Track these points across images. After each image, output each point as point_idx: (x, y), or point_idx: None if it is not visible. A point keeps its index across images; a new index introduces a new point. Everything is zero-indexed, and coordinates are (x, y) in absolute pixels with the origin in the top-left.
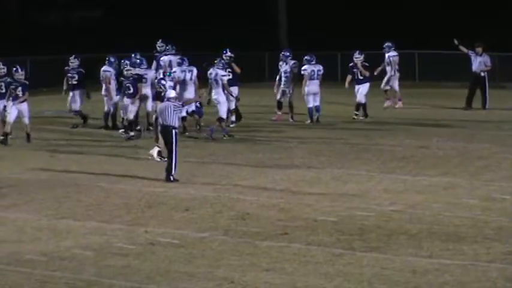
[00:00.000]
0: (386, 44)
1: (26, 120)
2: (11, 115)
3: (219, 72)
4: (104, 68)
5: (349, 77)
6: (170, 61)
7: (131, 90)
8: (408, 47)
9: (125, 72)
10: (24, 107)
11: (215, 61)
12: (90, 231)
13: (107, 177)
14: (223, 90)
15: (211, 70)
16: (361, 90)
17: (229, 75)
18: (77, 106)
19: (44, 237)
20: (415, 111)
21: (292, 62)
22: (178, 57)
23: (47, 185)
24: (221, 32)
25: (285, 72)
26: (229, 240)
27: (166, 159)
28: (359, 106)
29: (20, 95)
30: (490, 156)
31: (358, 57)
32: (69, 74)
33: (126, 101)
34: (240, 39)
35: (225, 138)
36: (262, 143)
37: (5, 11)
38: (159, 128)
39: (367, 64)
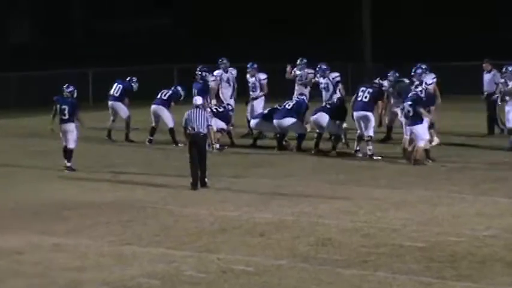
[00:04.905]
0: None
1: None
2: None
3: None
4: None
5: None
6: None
7: (66, 116)
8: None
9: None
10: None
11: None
12: (157, 258)
13: (176, 199)
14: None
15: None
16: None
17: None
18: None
19: (107, 264)
20: None
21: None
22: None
23: (110, 208)
24: (298, 42)
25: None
26: (308, 268)
27: None
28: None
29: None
30: None
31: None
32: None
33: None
34: (319, 49)
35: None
36: (343, 161)
37: (68, 21)
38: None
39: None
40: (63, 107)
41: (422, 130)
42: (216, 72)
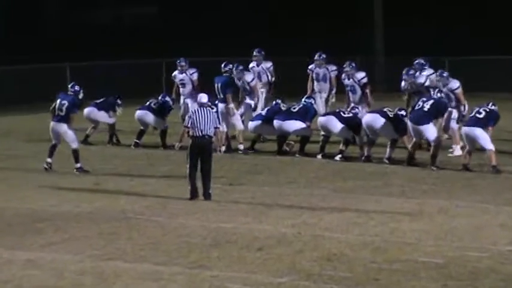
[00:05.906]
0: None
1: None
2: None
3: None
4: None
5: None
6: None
7: (62, 113)
8: None
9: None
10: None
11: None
12: (143, 275)
13: (164, 209)
14: None
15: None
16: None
17: None
18: None
19: (88, 282)
20: None
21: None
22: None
23: (91, 219)
24: (309, 35)
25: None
26: (312, 286)
27: None
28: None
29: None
30: None
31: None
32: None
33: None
34: (330, 42)
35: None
36: (352, 167)
37: (40, 11)
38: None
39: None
40: (63, 102)
41: (485, 134)
42: (250, 66)
